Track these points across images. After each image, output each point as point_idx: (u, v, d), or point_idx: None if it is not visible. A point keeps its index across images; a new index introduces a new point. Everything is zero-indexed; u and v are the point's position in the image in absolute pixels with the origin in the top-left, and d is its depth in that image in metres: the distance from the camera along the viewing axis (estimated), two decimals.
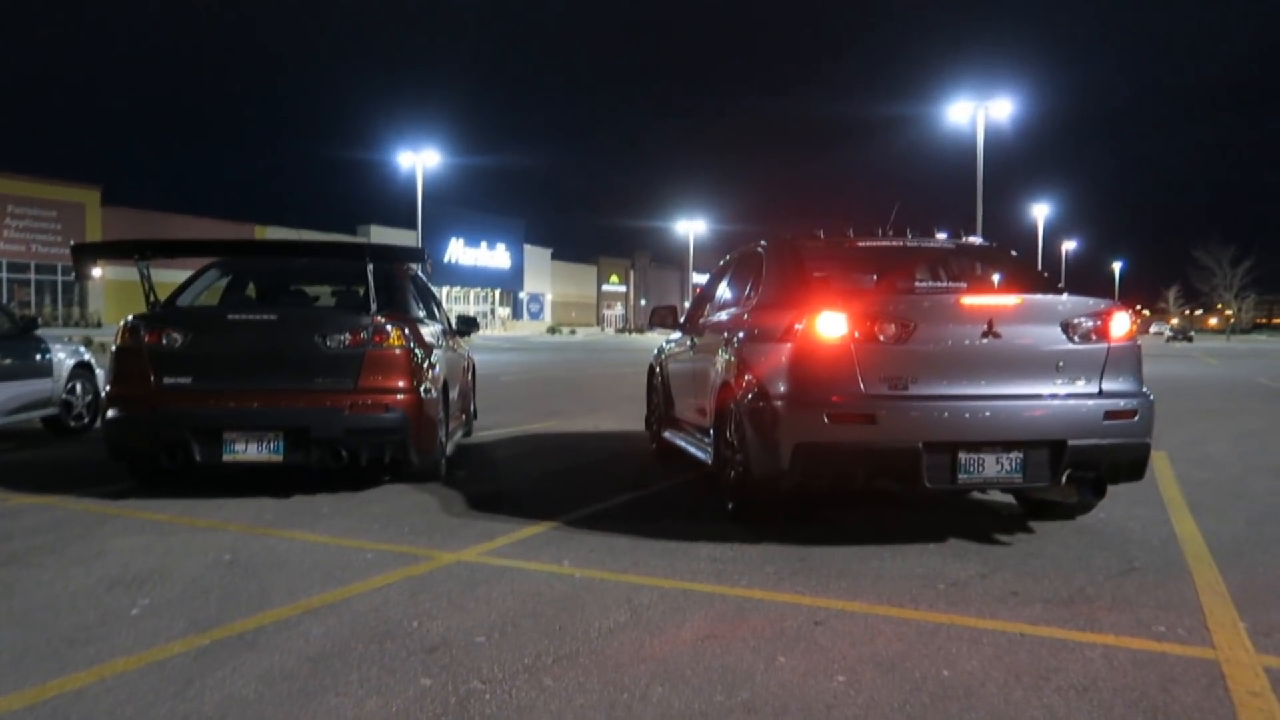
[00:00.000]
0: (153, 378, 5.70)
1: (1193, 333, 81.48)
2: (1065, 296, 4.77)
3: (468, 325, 8.38)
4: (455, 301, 72.18)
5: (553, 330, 73.92)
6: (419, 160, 43.92)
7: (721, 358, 5.46)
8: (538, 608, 3.64)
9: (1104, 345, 4.61)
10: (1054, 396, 4.52)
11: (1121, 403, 4.56)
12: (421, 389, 5.95)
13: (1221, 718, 2.69)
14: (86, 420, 9.06)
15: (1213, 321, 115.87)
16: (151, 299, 6.15)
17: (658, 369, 7.90)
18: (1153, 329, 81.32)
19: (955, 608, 3.69)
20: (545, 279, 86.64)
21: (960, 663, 3.09)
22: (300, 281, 7.81)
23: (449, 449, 6.82)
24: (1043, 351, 4.55)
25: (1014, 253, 6.13)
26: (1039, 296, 4.82)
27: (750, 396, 4.81)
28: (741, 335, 5.26)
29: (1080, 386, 4.56)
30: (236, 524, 5.07)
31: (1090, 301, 4.71)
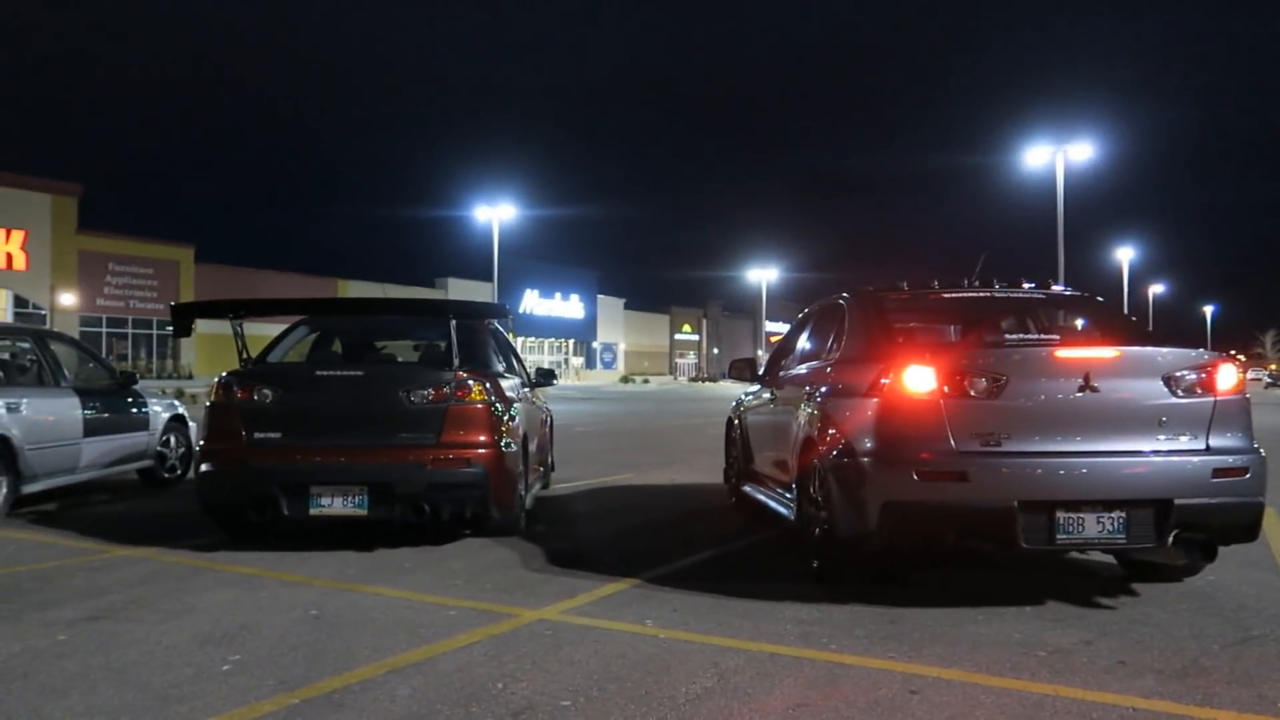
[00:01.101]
0: (244, 433, 5.84)
1: None
2: (1166, 348, 4.57)
3: (546, 378, 8.44)
4: (530, 352, 73.09)
5: (626, 380, 74.15)
6: (495, 214, 44.86)
7: (804, 412, 5.37)
8: (622, 670, 3.58)
9: (1210, 399, 4.40)
10: (1157, 453, 4.32)
11: (1231, 460, 4.34)
12: (502, 443, 5.98)
13: None
14: (179, 472, 9.34)
15: None
16: (244, 355, 6.34)
17: (736, 421, 7.82)
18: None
19: (1060, 678, 3.51)
20: (618, 329, 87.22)
21: None
22: (385, 337, 7.97)
23: (528, 502, 6.83)
24: (1144, 406, 4.36)
25: (1103, 300, 5.94)
26: (1138, 348, 4.64)
27: (835, 453, 4.70)
28: (825, 389, 5.17)
29: (1185, 443, 4.35)
30: (322, 579, 5.12)
31: (1194, 353, 4.51)
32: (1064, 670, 3.60)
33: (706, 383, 76.35)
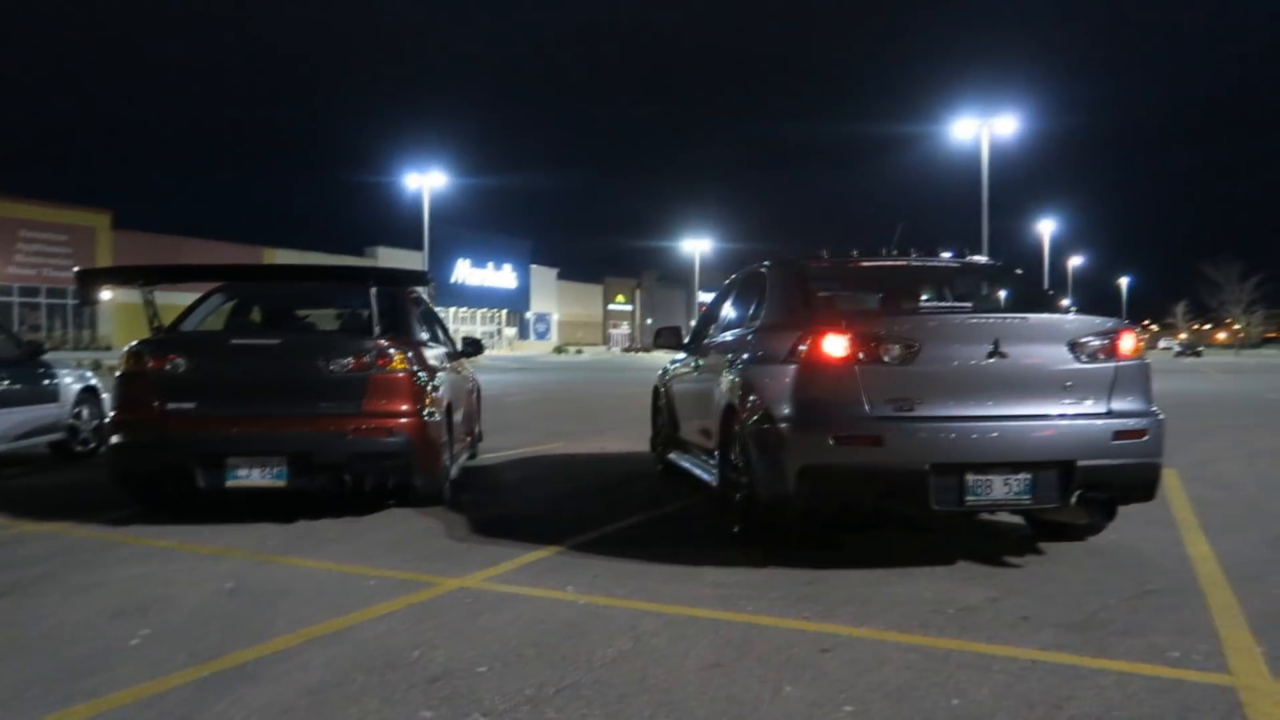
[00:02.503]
0: (156, 403, 5.68)
1: (1201, 348, 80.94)
2: (1072, 315, 4.73)
3: (473, 347, 8.36)
4: (462, 322, 72.34)
5: (559, 350, 73.97)
6: (425, 182, 44.09)
7: (726, 379, 5.42)
8: (541, 636, 3.60)
9: (1112, 364, 4.56)
10: (1062, 416, 4.47)
11: (1131, 422, 4.51)
12: (425, 412, 5.93)
13: None
14: (92, 445, 9.06)
15: (1221, 336, 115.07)
16: (156, 324, 6.16)
17: (662, 390, 7.86)
18: (1161, 344, 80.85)
19: (965, 634, 3.63)
20: (552, 299, 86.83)
21: (970, 691, 3.03)
22: (304, 305, 7.80)
23: (453, 472, 6.79)
24: (1050, 371, 4.50)
25: (1019, 271, 6.11)
26: (1045, 315, 4.79)
27: (755, 419, 4.77)
28: (745, 356, 5.23)
29: (1089, 406, 4.51)
30: (239, 551, 5.04)
31: (1097, 320, 4.67)
32: (970, 626, 3.73)
33: (640, 353, 76.57)
